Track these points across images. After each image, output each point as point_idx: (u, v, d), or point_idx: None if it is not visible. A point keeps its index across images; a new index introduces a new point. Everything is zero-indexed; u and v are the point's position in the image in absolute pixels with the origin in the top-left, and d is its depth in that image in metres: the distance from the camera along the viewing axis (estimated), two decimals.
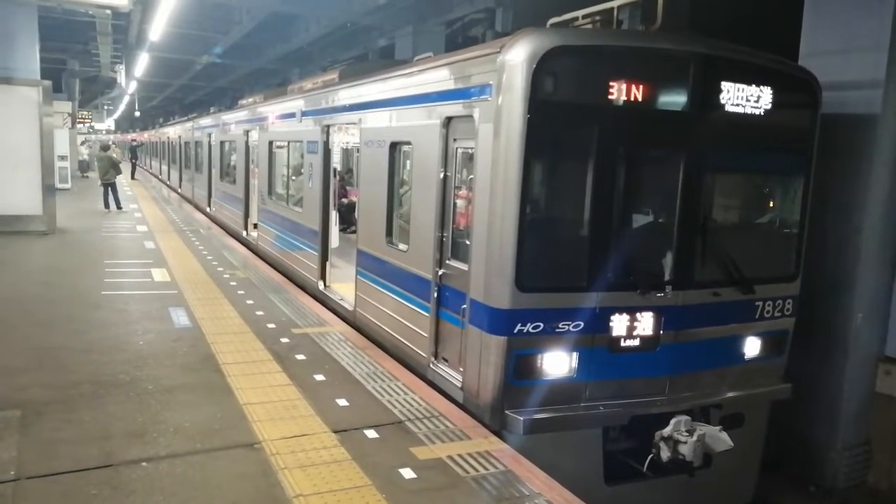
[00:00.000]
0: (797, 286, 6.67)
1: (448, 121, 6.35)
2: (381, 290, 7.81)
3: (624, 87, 5.41)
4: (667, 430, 5.74)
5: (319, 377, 6.54)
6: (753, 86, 5.93)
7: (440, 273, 6.45)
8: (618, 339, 5.75)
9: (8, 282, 10.28)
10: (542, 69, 5.23)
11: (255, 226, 14.57)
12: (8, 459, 4.65)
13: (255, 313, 8.81)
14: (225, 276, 11.17)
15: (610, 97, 5.41)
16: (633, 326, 5.77)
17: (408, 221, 7.26)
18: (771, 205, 7.13)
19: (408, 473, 4.70)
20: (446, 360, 6.40)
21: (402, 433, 5.38)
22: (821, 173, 6.74)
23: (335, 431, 5.32)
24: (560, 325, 5.53)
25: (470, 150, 5.96)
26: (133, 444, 4.95)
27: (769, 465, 7.16)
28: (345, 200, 14.40)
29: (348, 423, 5.48)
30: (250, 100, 16.50)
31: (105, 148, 23.00)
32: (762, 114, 6.02)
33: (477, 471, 4.80)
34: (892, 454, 7.70)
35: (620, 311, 5.71)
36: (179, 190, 27.98)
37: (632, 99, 5.44)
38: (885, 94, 7.12)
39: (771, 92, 6.02)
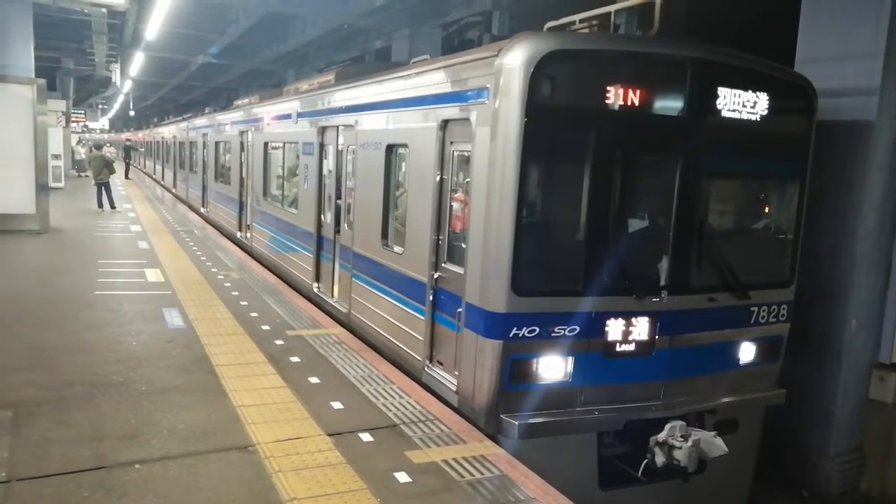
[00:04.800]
0: (792, 292, 6.69)
1: (445, 123, 6.34)
2: (376, 292, 7.79)
3: (621, 91, 5.42)
4: (662, 436, 5.74)
5: (314, 380, 6.51)
6: (750, 91, 5.95)
7: (436, 276, 6.44)
8: (613, 343, 5.75)
9: (0, 281, 10.21)
10: (539, 73, 5.23)
11: (250, 227, 14.53)
12: None
13: (250, 315, 8.77)
14: (219, 276, 11.12)
15: (607, 101, 5.41)
16: (628, 331, 5.77)
17: (403, 224, 7.24)
18: (766, 210, 7.16)
19: (402, 477, 4.68)
20: (441, 364, 6.39)
21: (397, 437, 5.36)
22: (816, 179, 6.77)
23: (329, 434, 5.30)
24: (556, 330, 5.53)
25: (467, 153, 5.95)
26: (126, 446, 4.91)
27: (762, 471, 7.17)
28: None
29: (343, 427, 5.46)
30: (246, 100, 16.46)
31: (99, 147, 22.94)
32: (758, 119, 6.04)
33: (472, 475, 4.78)
34: (884, 460, 7.72)
35: (616, 315, 5.71)
36: (174, 190, 27.88)
37: (629, 103, 5.45)
38: (881, 101, 7.15)
39: (767, 98, 6.04)
